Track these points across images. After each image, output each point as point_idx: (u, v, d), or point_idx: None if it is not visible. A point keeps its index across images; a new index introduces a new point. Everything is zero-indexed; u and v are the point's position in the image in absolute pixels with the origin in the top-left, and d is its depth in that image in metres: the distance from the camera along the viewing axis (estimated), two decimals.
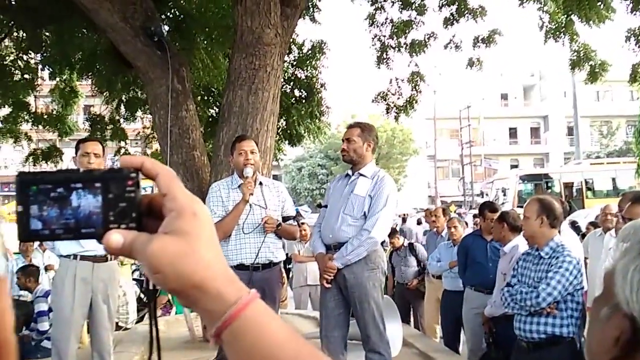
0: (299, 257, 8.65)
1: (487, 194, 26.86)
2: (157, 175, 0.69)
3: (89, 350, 4.55)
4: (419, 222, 17.54)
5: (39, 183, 0.66)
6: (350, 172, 4.26)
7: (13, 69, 9.37)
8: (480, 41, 9.74)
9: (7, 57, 9.52)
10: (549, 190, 23.19)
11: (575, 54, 8.80)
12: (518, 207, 17.36)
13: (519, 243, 4.71)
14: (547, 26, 8.65)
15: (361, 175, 4.16)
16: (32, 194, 0.66)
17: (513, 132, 47.37)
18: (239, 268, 4.04)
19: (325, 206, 4.32)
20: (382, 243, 4.18)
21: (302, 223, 8.75)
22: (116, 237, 0.66)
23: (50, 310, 6.35)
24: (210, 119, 9.63)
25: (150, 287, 0.73)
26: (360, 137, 4.17)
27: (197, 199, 0.69)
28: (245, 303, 0.66)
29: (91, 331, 4.45)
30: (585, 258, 5.83)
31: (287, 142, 10.13)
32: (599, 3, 7.89)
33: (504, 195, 24.43)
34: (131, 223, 0.67)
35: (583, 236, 7.78)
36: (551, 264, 3.62)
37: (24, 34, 8.95)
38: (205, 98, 9.90)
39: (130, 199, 0.67)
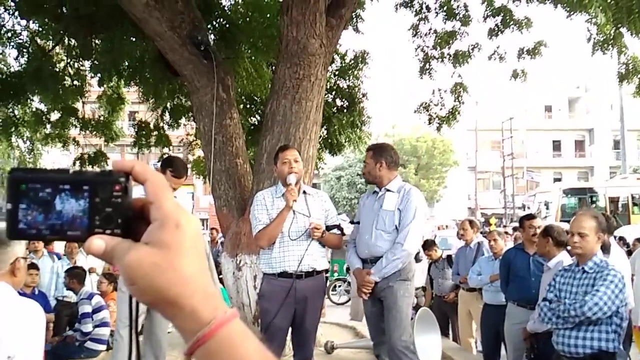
0: None
1: (528, 207, 26.40)
2: (146, 182, 0.67)
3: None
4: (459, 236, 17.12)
5: (29, 182, 0.66)
6: (377, 189, 4.46)
7: (64, 75, 9.63)
8: (525, 52, 9.61)
9: (58, 64, 9.80)
10: (594, 205, 22.65)
11: (624, 66, 8.61)
12: (561, 221, 17.02)
13: (564, 259, 4.63)
14: (594, 38, 8.48)
15: (387, 190, 4.36)
16: (22, 192, 0.66)
17: (557, 145, 46.48)
18: (283, 276, 4.07)
19: (358, 222, 4.52)
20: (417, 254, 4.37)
21: None
22: (98, 242, 0.65)
23: (93, 312, 6.51)
24: (252, 127, 9.72)
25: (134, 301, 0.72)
26: (372, 158, 4.41)
27: (185, 210, 0.67)
28: (220, 323, 0.64)
29: (148, 334, 4.57)
30: (632, 275, 5.69)
31: (327, 151, 10.17)
32: None
33: (547, 208, 23.96)
34: (116, 229, 0.67)
35: (629, 252, 7.60)
36: (596, 277, 3.58)
37: (75, 42, 9.21)
38: (248, 106, 10.01)
39: (117, 205, 0.67)
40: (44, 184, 0.66)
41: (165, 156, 11.33)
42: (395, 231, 4.22)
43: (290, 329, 4.26)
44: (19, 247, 2.06)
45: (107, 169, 0.69)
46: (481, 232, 9.00)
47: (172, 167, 4.58)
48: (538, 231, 5.47)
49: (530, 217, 5.88)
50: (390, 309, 4.21)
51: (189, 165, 12.80)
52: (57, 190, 0.66)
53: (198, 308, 0.65)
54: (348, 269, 8.94)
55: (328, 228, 4.24)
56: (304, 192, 4.28)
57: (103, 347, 6.34)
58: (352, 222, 4.62)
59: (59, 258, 8.35)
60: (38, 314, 2.11)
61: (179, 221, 0.65)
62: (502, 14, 9.34)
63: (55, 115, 10.45)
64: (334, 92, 9.85)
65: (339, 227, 4.37)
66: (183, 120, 10.70)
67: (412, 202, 4.22)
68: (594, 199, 23.92)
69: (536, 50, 9.56)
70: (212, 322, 0.64)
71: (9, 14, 9.12)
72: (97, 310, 6.53)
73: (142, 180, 0.68)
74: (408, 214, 4.20)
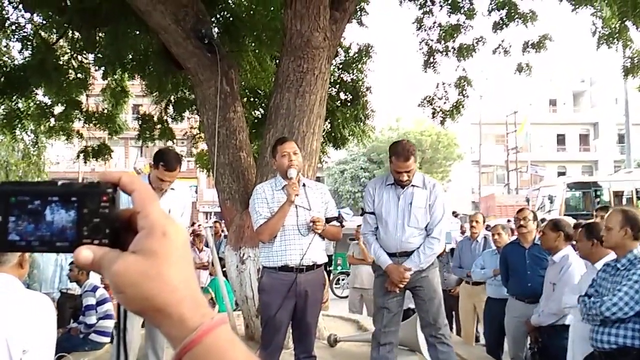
0: (352, 259, 8.63)
1: (532, 202, 26.34)
2: (133, 192, 0.68)
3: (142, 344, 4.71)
4: (462, 231, 16.99)
5: (17, 194, 0.67)
6: (391, 180, 4.45)
7: (68, 68, 9.62)
8: (530, 46, 9.57)
9: (62, 57, 9.79)
10: (598, 200, 22.58)
11: (629, 60, 8.57)
12: (565, 215, 16.99)
13: (569, 253, 4.63)
14: (600, 32, 8.44)
15: (413, 185, 4.41)
16: (12, 205, 0.67)
17: (561, 139, 46.36)
18: (283, 269, 4.07)
19: (372, 213, 4.50)
20: None
21: (359, 226, 8.75)
22: (86, 252, 0.66)
23: (97, 304, 6.53)
24: (256, 121, 9.72)
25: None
26: (415, 162, 4.39)
27: (172, 218, 0.68)
28: (207, 329, 0.65)
29: (146, 327, 4.57)
30: None
31: (331, 144, 10.16)
32: None
33: (551, 202, 23.86)
34: (104, 239, 0.67)
35: None
36: (624, 275, 3.58)
37: (79, 35, 9.20)
38: (252, 100, 10.00)
39: (104, 215, 0.68)
40: (32, 197, 0.67)
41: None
42: (425, 227, 4.42)
43: (290, 323, 4.27)
44: None
45: (94, 181, 0.70)
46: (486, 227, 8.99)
47: (164, 160, 4.47)
48: (523, 222, 5.54)
49: (520, 210, 5.99)
50: (432, 297, 4.45)
51: (192, 159, 12.84)
52: (45, 202, 0.67)
53: (186, 315, 0.65)
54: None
55: (328, 220, 4.23)
56: (304, 185, 4.27)
57: (107, 339, 6.35)
58: (363, 212, 4.56)
59: None
60: (48, 307, 2.11)
61: (165, 229, 0.66)
62: (507, 8, 9.30)
63: (59, 108, 10.43)
64: (337, 86, 9.83)
65: (338, 218, 4.36)
66: (187, 114, 10.68)
67: (439, 198, 4.45)
68: (598, 193, 23.81)
69: (541, 44, 9.51)
70: (199, 329, 0.65)
71: (13, 6, 9.10)
72: (101, 302, 6.54)
73: (130, 191, 0.69)
74: (439, 210, 4.42)
